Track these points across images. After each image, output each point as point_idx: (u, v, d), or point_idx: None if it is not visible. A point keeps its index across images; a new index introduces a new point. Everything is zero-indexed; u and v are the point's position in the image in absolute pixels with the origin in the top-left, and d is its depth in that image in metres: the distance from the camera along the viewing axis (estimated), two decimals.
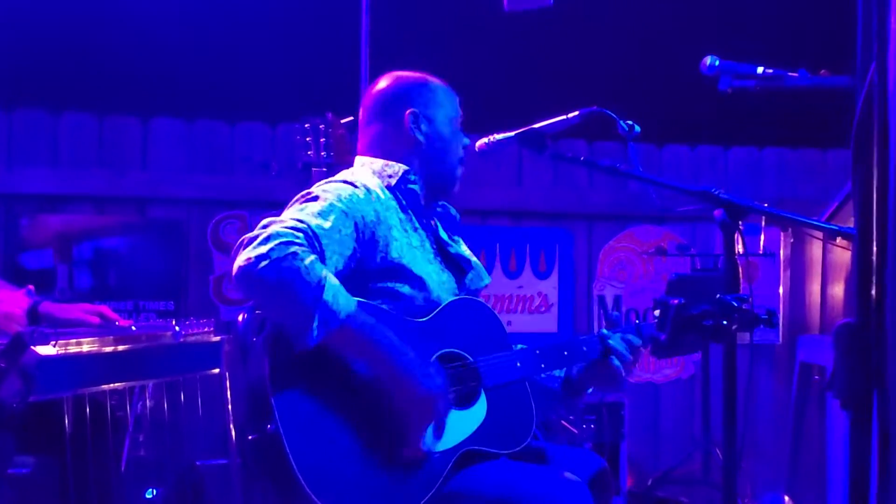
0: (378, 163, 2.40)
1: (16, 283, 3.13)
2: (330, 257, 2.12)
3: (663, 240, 4.86)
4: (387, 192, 2.35)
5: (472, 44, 4.47)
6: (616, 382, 2.42)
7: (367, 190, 2.29)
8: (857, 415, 1.32)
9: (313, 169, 3.34)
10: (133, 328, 2.77)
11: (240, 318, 2.44)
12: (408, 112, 2.39)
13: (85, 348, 2.47)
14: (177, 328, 2.75)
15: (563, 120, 2.23)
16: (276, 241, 2.01)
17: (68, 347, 2.41)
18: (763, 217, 4.26)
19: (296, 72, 4.26)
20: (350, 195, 2.23)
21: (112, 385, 2.57)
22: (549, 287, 4.78)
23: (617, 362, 2.37)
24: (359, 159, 2.44)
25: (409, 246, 2.30)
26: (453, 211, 2.49)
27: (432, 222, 2.44)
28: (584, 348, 2.39)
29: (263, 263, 1.99)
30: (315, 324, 1.99)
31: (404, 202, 2.36)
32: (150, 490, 3.06)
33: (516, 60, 4.51)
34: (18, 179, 4.15)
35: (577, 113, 2.22)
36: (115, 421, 2.72)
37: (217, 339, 2.87)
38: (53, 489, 2.68)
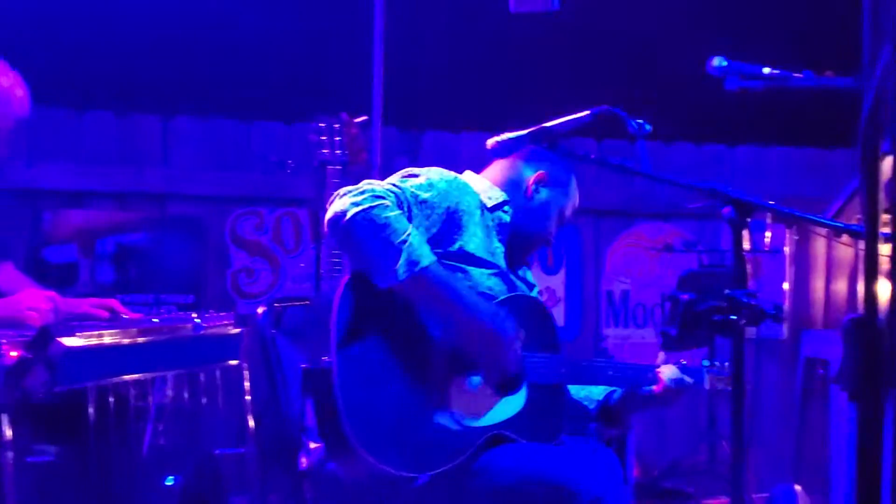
0: (486, 183, 2.51)
1: (40, 277, 3.15)
2: (414, 223, 2.20)
3: (670, 236, 4.85)
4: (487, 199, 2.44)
5: (484, 44, 4.47)
6: (657, 407, 2.47)
7: (471, 187, 2.41)
8: (863, 406, 1.32)
9: (328, 167, 3.35)
10: (155, 320, 2.78)
11: (259, 311, 2.46)
12: (543, 173, 2.53)
13: (108, 340, 2.46)
14: (197, 320, 2.75)
15: (575, 119, 2.24)
16: (369, 194, 2.13)
17: (92, 339, 2.41)
18: (769, 214, 4.27)
19: (311, 73, 4.26)
20: (454, 179, 2.35)
21: (134, 375, 2.56)
22: (557, 282, 4.78)
23: (663, 393, 2.44)
24: (468, 173, 2.53)
25: (486, 249, 2.38)
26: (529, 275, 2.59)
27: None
28: (632, 374, 2.46)
29: (355, 210, 2.10)
30: (401, 262, 2.09)
31: (493, 224, 2.43)
32: (170, 477, 3.06)
33: (527, 60, 4.50)
34: (42, 175, 4.16)
35: (588, 112, 2.23)
36: (137, 410, 2.72)
37: (236, 331, 2.85)
38: (76, 476, 2.69)
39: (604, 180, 4.81)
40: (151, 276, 4.31)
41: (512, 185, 2.51)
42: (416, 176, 2.30)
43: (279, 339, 2.64)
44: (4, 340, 2.23)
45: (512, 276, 2.45)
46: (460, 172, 2.48)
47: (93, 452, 2.54)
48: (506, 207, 2.47)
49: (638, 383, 2.46)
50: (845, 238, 3.84)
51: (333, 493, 2.29)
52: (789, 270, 4.71)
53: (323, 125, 3.27)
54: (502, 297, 2.33)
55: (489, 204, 2.44)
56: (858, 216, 3.69)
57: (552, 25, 3.43)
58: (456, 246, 2.30)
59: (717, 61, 2.58)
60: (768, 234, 4.42)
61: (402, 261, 2.08)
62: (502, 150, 2.31)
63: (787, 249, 4.66)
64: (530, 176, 2.52)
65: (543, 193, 2.53)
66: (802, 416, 4.23)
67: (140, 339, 2.56)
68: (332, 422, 2.07)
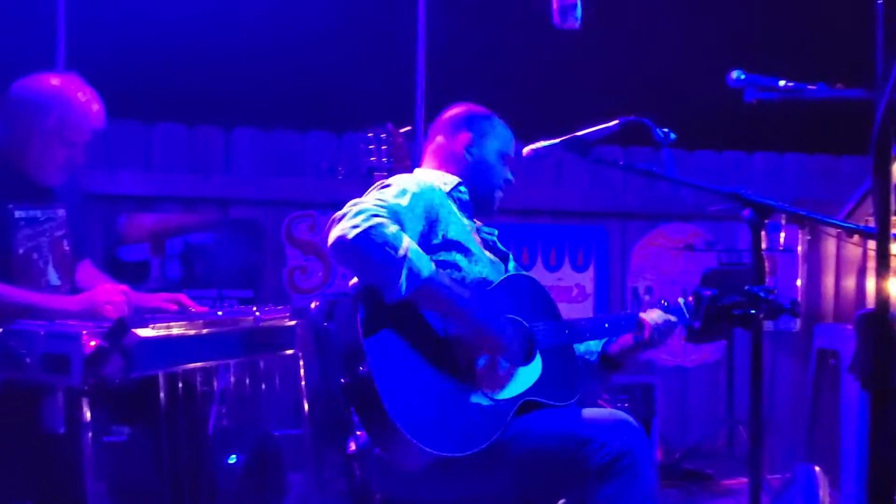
0: (436, 173, 2.51)
1: (115, 274, 3.18)
2: (406, 231, 2.20)
3: (692, 237, 4.81)
4: (447, 195, 2.44)
5: (518, 57, 4.47)
6: (647, 351, 2.48)
7: (431, 182, 2.41)
8: (875, 393, 1.30)
9: (375, 173, 3.36)
10: (219, 313, 2.80)
11: (312, 305, 2.46)
12: (465, 135, 2.51)
13: (178, 331, 2.48)
14: (257, 313, 2.76)
15: (605, 128, 2.23)
16: (365, 215, 2.12)
17: (163, 330, 2.43)
18: (784, 216, 4.22)
19: (360, 87, 4.27)
20: (417, 182, 2.34)
21: (200, 363, 2.58)
22: (587, 279, 4.76)
23: (650, 335, 2.43)
24: (418, 170, 2.53)
25: (463, 230, 2.39)
26: (487, 228, 2.57)
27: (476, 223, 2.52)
28: (623, 322, 2.47)
29: (355, 232, 2.09)
30: (403, 278, 2.09)
31: (456, 206, 2.44)
32: (233, 455, 3.08)
33: (559, 72, 4.49)
34: (117, 182, 4.19)
35: (617, 121, 2.22)
36: (203, 395, 2.74)
37: (292, 323, 2.87)
38: (148, 454, 2.71)
39: (630, 185, 4.79)
40: (215, 273, 4.33)
41: (451, 162, 2.50)
42: (388, 186, 2.29)
43: (331, 331, 2.65)
44: (85, 331, 2.25)
45: (490, 256, 2.45)
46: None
47: (163, 433, 2.56)
48: (461, 188, 2.47)
49: (629, 329, 2.46)
50: (855, 238, 3.79)
51: (381, 472, 2.30)
52: (802, 268, 4.65)
53: (371, 135, 3.29)
54: (497, 282, 2.34)
55: (447, 189, 2.44)
56: (869, 217, 3.64)
57: (583, 39, 3.41)
58: (440, 237, 2.32)
59: (736, 75, 2.56)
60: (783, 234, 4.38)
61: (403, 277, 2.09)
62: (538, 158, 2.30)
63: (800, 249, 4.60)
64: (458, 146, 2.50)
65: (477, 152, 2.50)
66: (814, 403, 4.18)
67: (206, 331, 2.58)
68: (381, 421, 2.07)
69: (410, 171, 3.35)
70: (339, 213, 2.15)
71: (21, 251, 2.67)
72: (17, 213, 2.67)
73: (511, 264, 2.56)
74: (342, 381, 2.19)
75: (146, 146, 4.33)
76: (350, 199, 2.32)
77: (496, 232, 2.58)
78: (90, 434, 2.29)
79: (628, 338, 2.48)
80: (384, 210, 2.16)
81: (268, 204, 4.42)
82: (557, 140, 2.29)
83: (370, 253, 2.09)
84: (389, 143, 3.28)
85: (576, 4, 2.78)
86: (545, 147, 2.32)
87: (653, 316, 2.46)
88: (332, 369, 2.44)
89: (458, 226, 2.38)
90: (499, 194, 2.55)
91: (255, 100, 4.34)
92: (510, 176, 2.56)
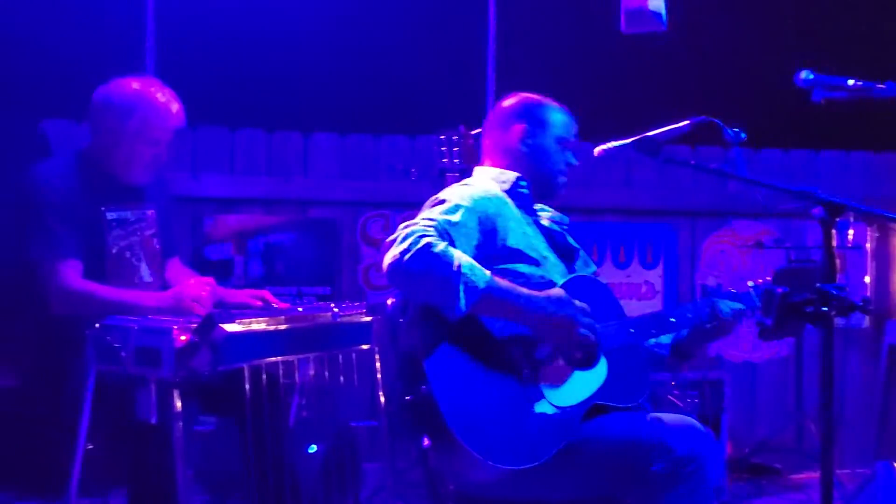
0: (494, 171, 2.44)
1: (201, 272, 3.24)
2: (460, 246, 2.15)
3: (761, 234, 4.71)
4: (502, 193, 2.38)
5: (586, 59, 4.43)
6: (717, 339, 2.41)
7: (486, 189, 2.33)
8: None
9: (447, 174, 3.36)
10: (299, 309, 2.83)
11: (389, 301, 2.47)
12: (519, 126, 2.42)
13: (261, 326, 2.51)
14: (335, 309, 2.77)
15: (675, 128, 2.19)
16: (413, 237, 2.07)
17: (248, 325, 2.46)
18: (852, 213, 4.11)
19: (431, 91, 4.29)
20: (471, 194, 2.27)
21: (282, 357, 2.59)
22: (655, 276, 4.69)
23: (720, 321, 2.36)
24: (477, 169, 2.48)
25: (524, 235, 2.33)
26: (557, 216, 2.49)
27: (542, 220, 2.45)
28: (689, 315, 2.39)
29: (407, 256, 2.04)
30: (461, 296, 2.03)
31: (517, 202, 2.37)
32: (313, 445, 3.11)
33: (626, 72, 4.44)
34: (202, 185, 4.27)
35: (687, 122, 2.18)
36: (285, 387, 2.77)
37: (368, 319, 2.87)
38: (234, 443, 2.75)
39: (699, 183, 4.71)
40: (294, 271, 4.39)
41: (508, 156, 2.43)
42: (442, 202, 2.23)
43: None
44: (175, 326, 2.30)
45: (555, 258, 2.37)
46: None
47: (249, 423, 2.59)
48: (521, 182, 2.40)
49: (698, 320, 2.39)
50: None
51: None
52: (871, 265, 4.53)
53: (443, 137, 3.29)
54: (565, 281, 2.27)
55: (506, 188, 2.37)
56: None
57: (651, 41, 3.37)
58: (498, 247, 2.26)
59: (804, 74, 2.50)
60: (851, 231, 4.26)
61: (461, 293, 2.02)
62: (608, 158, 2.27)
63: (868, 246, 4.48)
64: (513, 138, 2.42)
65: (532, 141, 2.42)
66: (885, 399, 4.06)
67: (287, 326, 2.60)
68: (447, 439, 2.03)
69: None
70: (392, 237, 2.11)
71: (114, 250, 2.74)
72: (109, 215, 2.74)
73: (579, 261, 2.48)
74: (406, 398, 2.12)
75: (230, 151, 4.39)
76: (422, 199, 2.31)
77: (566, 221, 2.49)
78: (180, 424, 2.33)
79: (698, 327, 2.40)
80: (432, 229, 2.11)
81: (344, 204, 4.45)
82: (628, 140, 2.25)
83: (424, 275, 2.04)
84: (461, 144, 3.28)
85: (642, 9, 2.74)
86: (616, 147, 2.28)
87: (720, 305, 2.39)
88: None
89: (518, 232, 2.31)
90: (561, 179, 2.46)
91: (331, 106, 4.38)
92: (573, 159, 2.47)
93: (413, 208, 4.76)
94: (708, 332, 2.41)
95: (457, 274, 2.03)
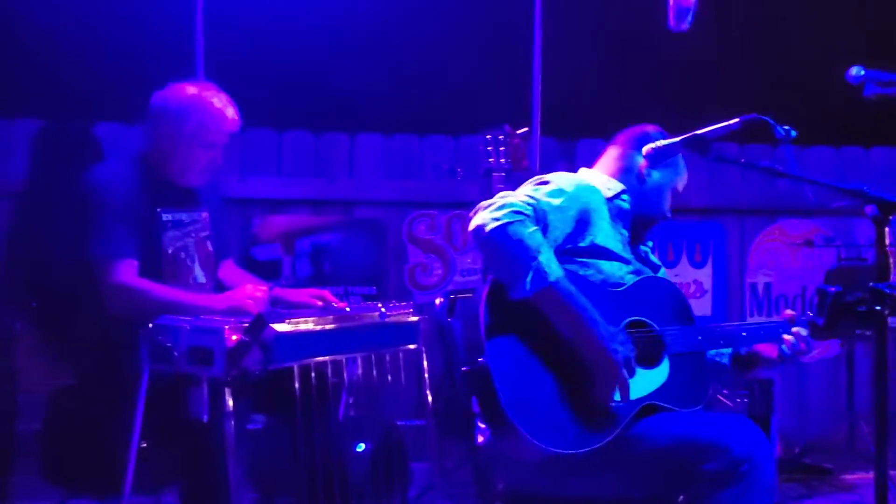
0: (603, 177, 2.46)
1: (250, 272, 3.28)
2: (552, 232, 2.19)
3: (810, 232, 4.65)
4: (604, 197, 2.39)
5: (632, 57, 4.40)
6: (776, 367, 2.39)
7: (593, 185, 2.36)
8: None
9: (493, 174, 3.37)
10: (347, 309, 2.85)
11: (437, 301, 2.49)
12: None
13: (310, 326, 2.53)
14: (382, 309, 2.78)
15: (725, 126, 2.17)
16: (508, 209, 2.11)
17: (298, 325, 2.48)
18: None
19: (475, 90, 4.30)
20: (577, 182, 2.31)
21: (330, 356, 2.61)
22: (704, 275, 4.66)
23: (785, 350, 2.33)
24: (583, 170, 2.50)
25: (613, 237, 2.34)
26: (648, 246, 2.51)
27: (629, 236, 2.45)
28: (762, 333, 2.37)
29: (494, 225, 2.09)
30: (529, 278, 2.06)
31: (612, 213, 2.38)
32: (361, 444, 3.13)
33: (676, 70, 4.40)
34: (251, 187, 4.33)
35: (737, 119, 2.16)
36: (333, 386, 2.80)
37: (415, 318, 2.87)
38: (284, 441, 2.78)
39: (747, 181, 4.66)
40: (341, 271, 4.42)
41: (626, 173, 2.45)
42: (546, 183, 2.26)
43: (454, 326, 2.67)
44: (227, 326, 2.33)
45: (638, 264, 2.39)
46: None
47: (298, 422, 2.61)
48: (623, 196, 2.41)
49: (768, 340, 2.37)
50: None
51: (503, 464, 2.30)
52: None
53: (489, 137, 3.29)
54: (631, 283, 2.29)
55: (608, 195, 2.39)
56: None
57: (700, 38, 3.34)
58: (587, 241, 2.27)
59: (855, 71, 2.46)
60: None
61: (530, 276, 2.06)
62: (657, 157, 2.26)
63: None
64: (641, 161, 2.43)
65: (655, 175, 2.44)
66: None
67: (336, 326, 2.61)
68: (497, 414, 2.06)
69: (527, 171, 3.36)
70: (488, 201, 2.15)
71: (170, 251, 2.79)
72: (164, 216, 2.79)
73: (660, 272, 2.50)
74: (463, 369, 2.18)
75: (277, 152, 4.45)
76: (468, 199, 2.33)
77: (651, 244, 2.54)
78: (232, 422, 2.36)
79: (765, 347, 2.39)
80: (529, 208, 2.15)
81: (390, 205, 4.48)
82: (678, 139, 2.24)
83: (503, 247, 2.08)
84: (507, 143, 3.29)
85: (690, 8, 2.72)
86: (665, 146, 2.27)
87: (793, 333, 2.35)
88: (454, 363, 2.47)
89: (608, 234, 2.33)
90: (656, 223, 2.51)
91: (376, 106, 4.41)
92: (670, 214, 2.51)
93: (459, 207, 4.82)
94: (773, 359, 2.39)
95: (533, 258, 2.07)
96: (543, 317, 2.14)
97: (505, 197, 2.16)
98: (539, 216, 2.16)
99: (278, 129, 4.45)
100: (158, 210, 2.78)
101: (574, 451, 2.09)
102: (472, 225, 2.13)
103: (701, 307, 4.62)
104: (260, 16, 4.18)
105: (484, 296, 2.16)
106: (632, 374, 2.14)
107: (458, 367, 2.36)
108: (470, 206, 2.35)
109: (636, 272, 2.37)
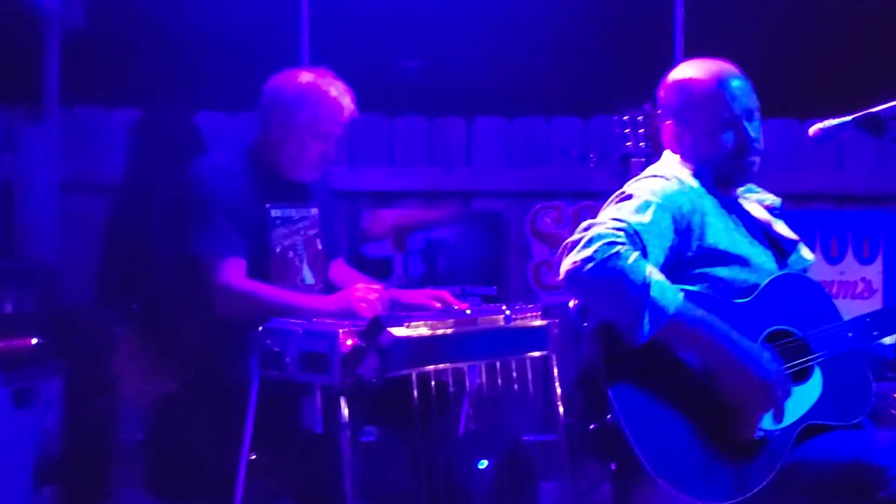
0: (678, 166, 2.39)
1: (359, 271, 3.34)
2: (652, 251, 2.12)
3: None
4: (696, 179, 2.33)
5: (782, 30, 4.29)
6: None
7: (680, 181, 2.29)
8: None
9: (632, 160, 3.33)
10: (468, 312, 2.87)
11: (571, 304, 2.47)
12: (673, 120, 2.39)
13: (430, 330, 2.56)
14: (507, 312, 2.78)
15: None
16: (600, 243, 2.03)
17: (416, 329, 2.51)
18: None
19: (608, 66, 4.26)
20: (663, 188, 2.23)
21: (451, 363, 2.63)
22: (874, 272, 4.49)
23: None
24: (666, 153, 2.45)
25: (725, 230, 2.28)
26: (769, 200, 2.43)
27: (748, 205, 2.38)
28: None
29: (589, 266, 2.02)
30: (645, 321, 1.99)
31: (707, 189, 2.32)
32: (483, 460, 3.14)
33: (835, 44, 4.27)
34: (359, 178, 4.39)
35: None
36: (454, 396, 2.82)
37: (544, 322, 2.87)
38: (400, 455, 2.82)
39: None
40: (457, 269, 4.44)
41: (684, 145, 2.38)
42: (629, 198, 2.18)
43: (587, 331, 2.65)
44: (342, 330, 2.38)
45: (761, 252, 2.29)
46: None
47: (417, 435, 2.65)
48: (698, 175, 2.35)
49: None
50: None
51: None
52: None
53: (626, 118, 3.25)
54: (765, 283, 2.20)
55: (696, 184, 2.32)
56: None
57: (862, 8, 3.23)
58: (694, 248, 2.20)
59: None
60: None
61: (646, 317, 1.98)
62: (825, 138, 2.20)
63: None
64: (678, 128, 2.38)
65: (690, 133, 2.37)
66: None
67: (456, 330, 2.64)
68: (641, 475, 2.01)
69: None
70: (572, 238, 2.09)
71: (278, 249, 2.88)
72: (273, 213, 2.87)
73: (794, 255, 2.40)
74: (590, 426, 2.11)
75: (388, 140, 4.50)
76: (600, 189, 2.30)
77: (778, 205, 2.43)
78: (348, 434, 2.41)
79: None
80: (621, 234, 2.07)
81: (511, 195, 4.48)
82: (848, 118, 2.17)
83: (607, 290, 2.01)
84: (647, 125, 3.24)
85: None
86: (834, 126, 2.21)
87: None
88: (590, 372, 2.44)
89: (717, 228, 2.26)
90: (749, 159, 2.34)
91: (496, 87, 4.42)
92: (753, 133, 2.33)
93: (590, 198, 4.78)
94: None
95: (644, 294, 1.99)
96: (669, 351, 2.07)
97: (589, 229, 2.09)
98: (633, 239, 2.09)
99: (389, 115, 4.49)
100: (267, 206, 2.86)
101: (739, 498, 2.03)
102: (563, 270, 2.05)
103: (869, 309, 4.46)
104: None
105: (595, 336, 2.10)
106: (787, 393, 2.07)
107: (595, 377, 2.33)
108: (604, 196, 2.32)
109: (758, 268, 2.26)
